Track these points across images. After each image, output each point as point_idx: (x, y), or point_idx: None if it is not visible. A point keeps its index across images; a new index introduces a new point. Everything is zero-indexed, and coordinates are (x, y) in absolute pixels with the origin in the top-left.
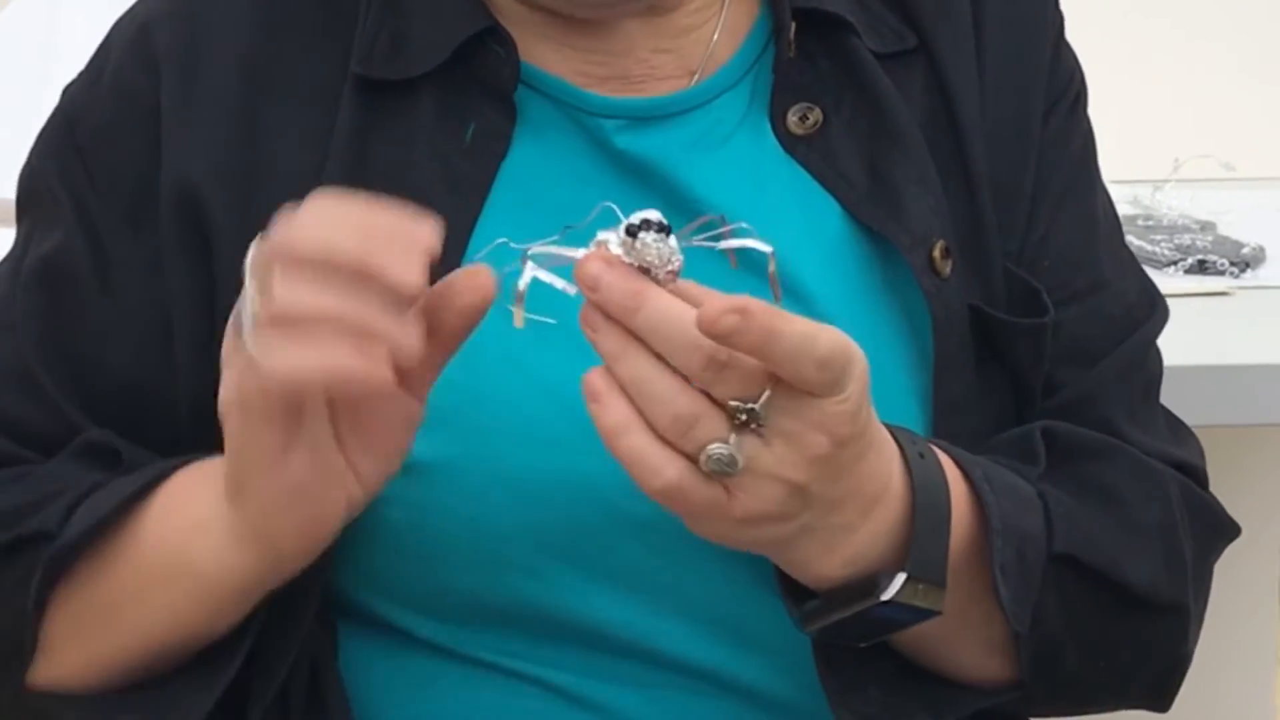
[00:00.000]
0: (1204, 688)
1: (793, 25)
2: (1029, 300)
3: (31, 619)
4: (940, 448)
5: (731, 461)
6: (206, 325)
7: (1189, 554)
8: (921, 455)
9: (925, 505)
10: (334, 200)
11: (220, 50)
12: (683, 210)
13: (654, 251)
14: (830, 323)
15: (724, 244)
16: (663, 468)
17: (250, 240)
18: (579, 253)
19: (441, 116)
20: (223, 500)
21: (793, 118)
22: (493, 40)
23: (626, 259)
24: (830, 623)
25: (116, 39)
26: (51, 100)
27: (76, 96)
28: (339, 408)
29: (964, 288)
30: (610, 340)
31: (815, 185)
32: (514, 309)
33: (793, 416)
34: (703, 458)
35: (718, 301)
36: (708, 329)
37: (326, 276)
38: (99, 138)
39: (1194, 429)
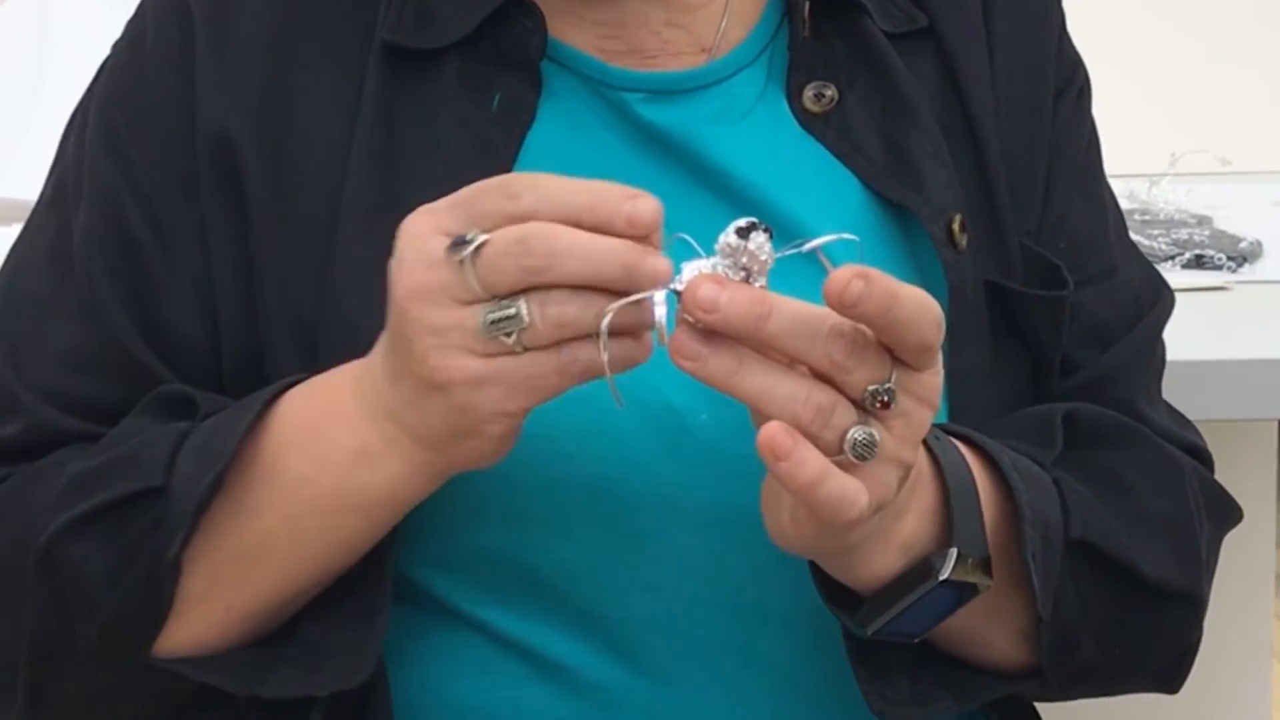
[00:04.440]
0: (1201, 679)
1: (806, 5)
2: (1048, 276)
3: (167, 582)
4: (962, 434)
5: (872, 440)
6: (244, 282)
7: (1204, 544)
8: (937, 438)
9: (955, 484)
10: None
11: (249, 10)
12: (707, 182)
13: (766, 251)
14: None
15: (809, 245)
16: (859, 495)
17: (281, 198)
18: (653, 293)
19: (466, 85)
20: (412, 447)
21: (809, 95)
22: (519, 12)
23: (725, 274)
24: (891, 617)
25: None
26: (48, 99)
27: (115, 73)
28: None
29: (979, 262)
30: (723, 359)
31: (834, 160)
32: (603, 353)
33: (908, 394)
34: (849, 445)
35: (843, 270)
36: (837, 296)
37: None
38: (144, 113)
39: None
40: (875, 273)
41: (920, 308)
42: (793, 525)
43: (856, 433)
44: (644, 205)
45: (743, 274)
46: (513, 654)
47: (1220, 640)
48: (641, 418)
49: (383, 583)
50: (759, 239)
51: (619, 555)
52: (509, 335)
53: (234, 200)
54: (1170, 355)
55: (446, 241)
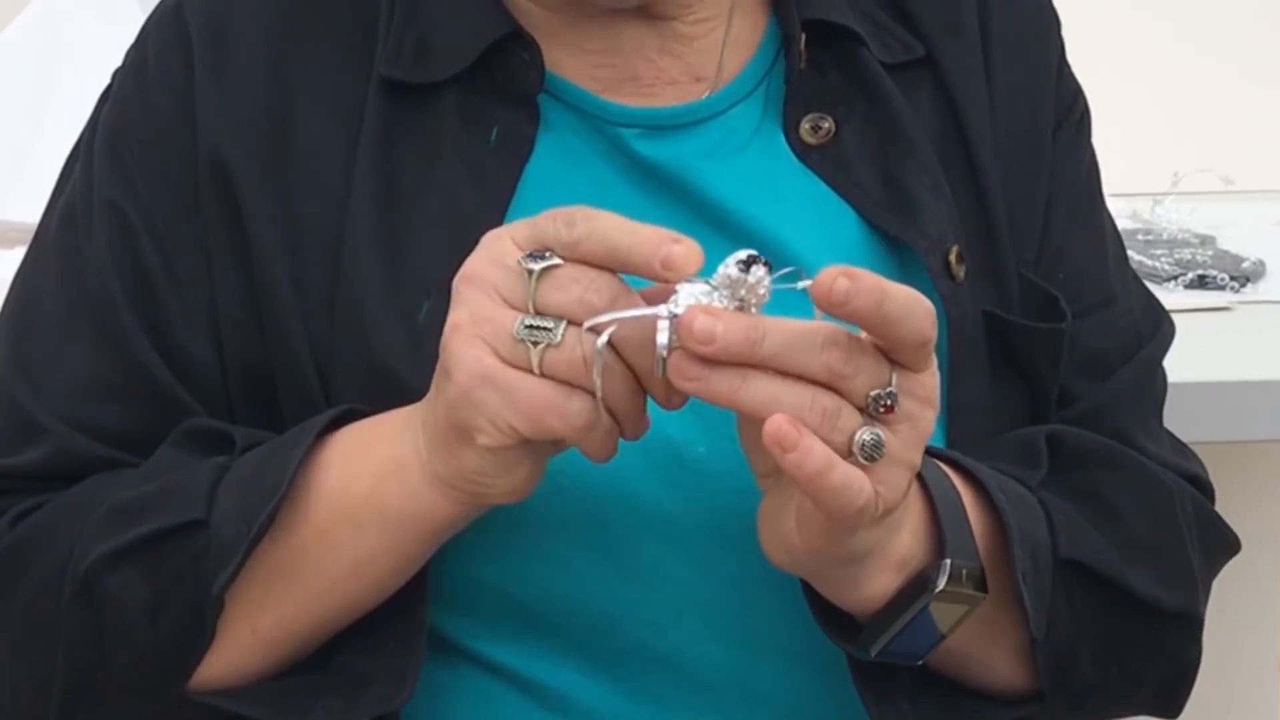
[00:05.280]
0: (1207, 701)
1: (803, 37)
2: (1046, 307)
3: (210, 616)
4: (950, 457)
5: (880, 441)
6: (249, 305)
7: (1196, 563)
8: None
9: (941, 499)
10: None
11: (248, 39)
12: (703, 216)
13: (765, 285)
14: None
15: (804, 283)
16: (864, 483)
17: (282, 225)
18: (655, 311)
19: (464, 118)
20: (423, 447)
21: (805, 127)
22: (516, 45)
23: (722, 303)
24: (893, 636)
25: (152, 26)
26: (49, 124)
27: (118, 102)
28: None
29: (977, 294)
30: (725, 376)
31: (830, 193)
32: (595, 378)
33: (910, 396)
34: (856, 447)
35: (827, 270)
36: (825, 295)
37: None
38: (148, 140)
39: (1195, 445)
40: (860, 270)
41: (911, 301)
42: (799, 531)
43: (864, 434)
44: (678, 251)
45: (738, 304)
46: (512, 685)
47: (1226, 661)
48: (639, 451)
49: (419, 610)
50: (759, 273)
51: (616, 588)
52: (536, 344)
53: (234, 225)
54: (1173, 376)
55: (514, 247)
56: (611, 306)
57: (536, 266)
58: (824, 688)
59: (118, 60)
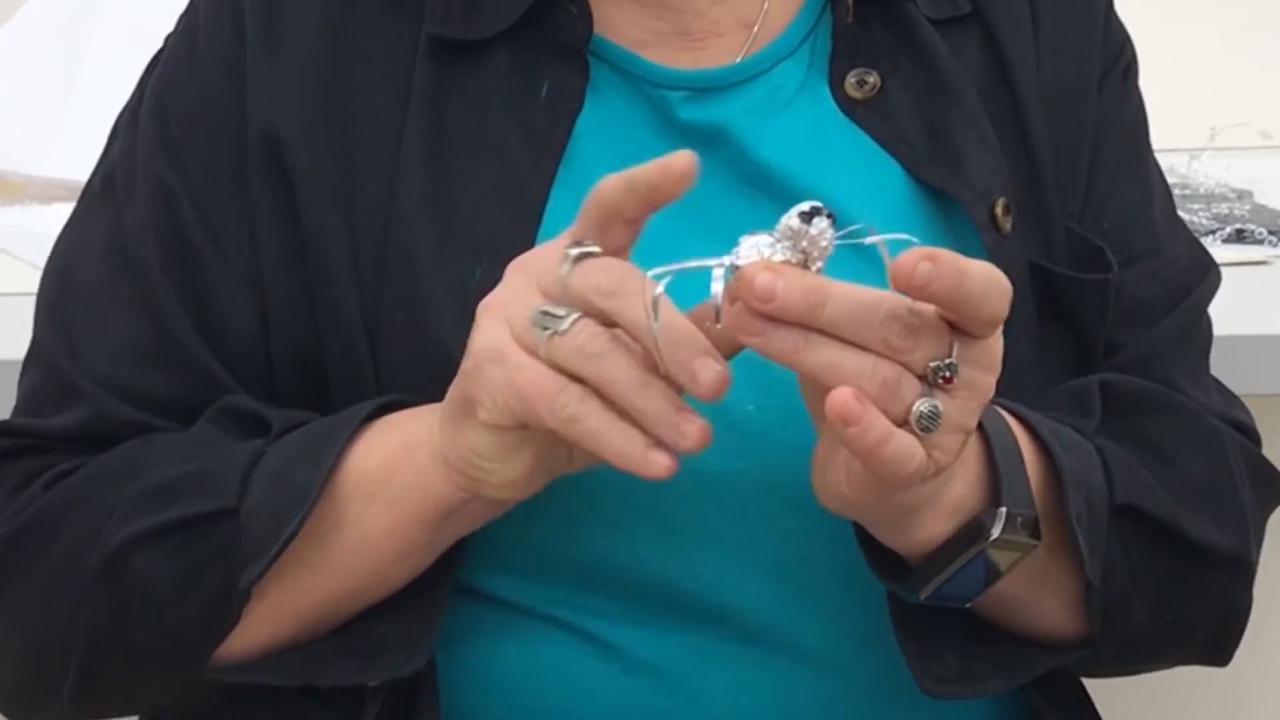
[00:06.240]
0: (1253, 651)
1: None
2: (1092, 258)
3: (236, 604)
4: (1004, 405)
5: (937, 413)
6: (299, 277)
7: (1249, 507)
8: None
9: (1000, 447)
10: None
11: (301, 6)
12: (749, 175)
13: (827, 237)
14: None
15: (871, 239)
16: (916, 450)
17: (335, 190)
18: (713, 261)
19: (514, 75)
20: (435, 425)
21: (851, 82)
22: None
23: (784, 255)
24: (943, 581)
25: None
26: (88, 80)
27: (167, 69)
28: None
29: (1024, 246)
30: (789, 333)
31: (876, 147)
32: (654, 325)
33: (972, 364)
34: (914, 418)
35: (909, 254)
36: (906, 279)
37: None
38: (195, 111)
39: None
40: (942, 252)
41: (990, 282)
42: (850, 487)
43: (922, 405)
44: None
45: (801, 257)
46: (557, 631)
47: (1271, 607)
48: None
49: (439, 584)
50: (821, 224)
51: (665, 544)
52: (545, 329)
53: (284, 197)
54: (1213, 330)
55: (570, 236)
56: (624, 295)
57: (574, 252)
58: (871, 642)
59: (156, 14)
